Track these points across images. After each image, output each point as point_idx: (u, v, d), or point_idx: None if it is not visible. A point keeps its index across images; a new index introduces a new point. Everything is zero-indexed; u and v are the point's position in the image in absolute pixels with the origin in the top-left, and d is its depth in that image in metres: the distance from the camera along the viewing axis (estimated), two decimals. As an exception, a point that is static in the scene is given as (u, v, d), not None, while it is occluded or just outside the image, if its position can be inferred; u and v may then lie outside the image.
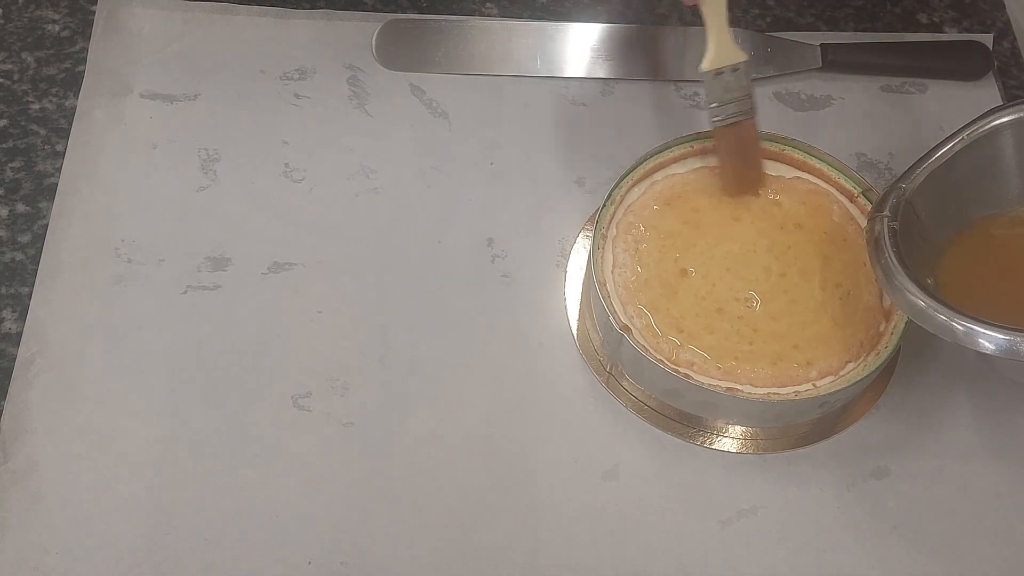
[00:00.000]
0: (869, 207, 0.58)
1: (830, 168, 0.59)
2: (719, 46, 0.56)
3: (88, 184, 0.61)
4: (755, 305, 0.55)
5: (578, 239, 0.61)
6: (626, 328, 0.54)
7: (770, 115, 0.66)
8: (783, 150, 0.60)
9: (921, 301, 0.48)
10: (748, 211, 0.58)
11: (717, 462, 0.55)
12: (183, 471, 0.54)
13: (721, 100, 0.56)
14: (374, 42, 0.67)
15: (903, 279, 0.49)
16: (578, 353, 0.58)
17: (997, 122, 0.54)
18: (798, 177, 0.59)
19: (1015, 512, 0.55)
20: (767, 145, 0.59)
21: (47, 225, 0.60)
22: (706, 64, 0.56)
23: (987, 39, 0.69)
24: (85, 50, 0.66)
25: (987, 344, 0.46)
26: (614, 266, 0.56)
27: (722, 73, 0.56)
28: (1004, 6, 0.72)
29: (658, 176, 0.59)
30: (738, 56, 0.56)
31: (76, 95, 0.64)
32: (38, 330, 0.57)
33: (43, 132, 0.63)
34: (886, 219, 0.51)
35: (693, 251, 0.57)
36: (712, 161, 0.59)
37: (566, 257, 0.61)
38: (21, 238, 0.60)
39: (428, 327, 0.58)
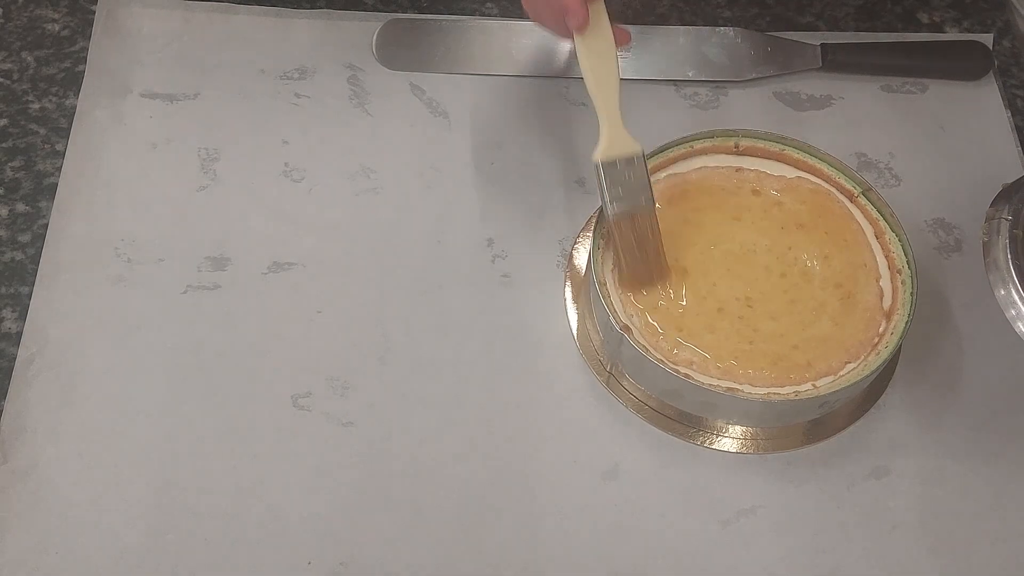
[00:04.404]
0: (870, 207, 0.58)
1: (830, 168, 0.59)
2: (612, 137, 0.54)
3: (88, 184, 0.61)
4: (755, 305, 0.55)
5: (578, 239, 0.61)
6: (626, 328, 0.54)
7: (770, 115, 0.66)
8: (783, 150, 0.59)
9: None
10: (749, 211, 0.58)
11: (717, 462, 0.55)
12: (183, 471, 0.54)
13: (614, 192, 0.53)
14: (374, 42, 0.67)
15: (1014, 290, 0.45)
16: (578, 353, 0.58)
17: None
18: (799, 177, 0.59)
19: (1015, 512, 0.55)
20: (767, 145, 0.59)
21: (47, 225, 0.60)
22: (598, 155, 0.54)
23: (987, 39, 0.69)
24: (85, 49, 0.66)
25: None
26: (614, 266, 0.56)
27: (615, 165, 0.53)
28: (1004, 6, 0.72)
29: (659, 176, 0.59)
30: (632, 147, 0.54)
31: (76, 94, 0.64)
32: (38, 330, 0.56)
33: (43, 131, 0.63)
34: (1007, 223, 0.47)
35: (694, 250, 0.57)
36: (711, 160, 0.59)
37: (566, 257, 0.61)
38: (21, 238, 0.60)
39: (428, 327, 0.58)
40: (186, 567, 0.51)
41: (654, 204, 0.54)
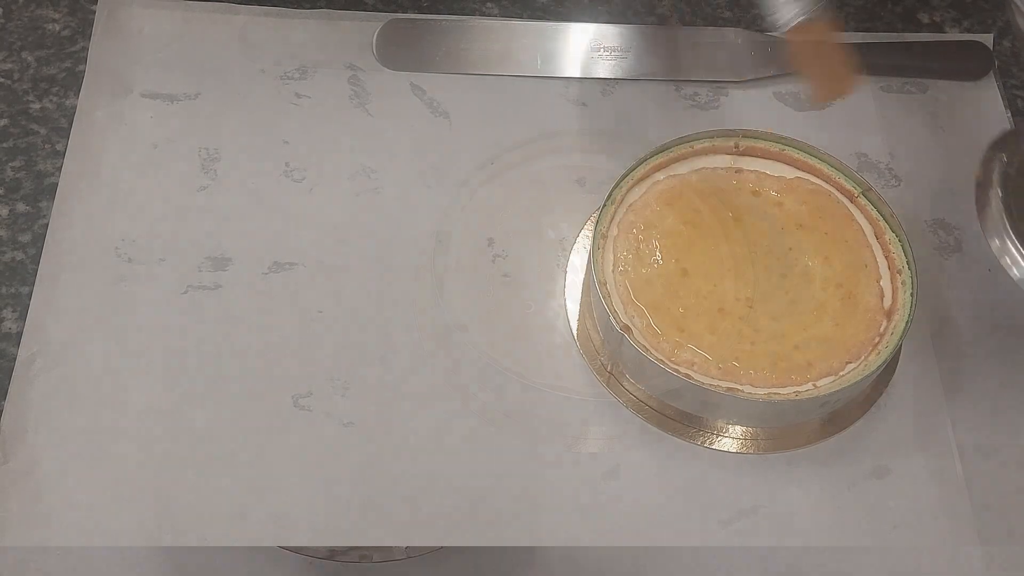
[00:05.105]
0: (870, 207, 0.58)
1: (830, 168, 0.59)
2: None
3: (88, 184, 0.61)
4: (756, 306, 0.55)
5: (578, 239, 0.61)
6: (627, 328, 0.54)
7: (770, 115, 0.66)
8: (783, 150, 0.59)
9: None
10: (749, 211, 0.58)
11: (717, 462, 0.55)
12: (183, 471, 0.54)
13: (780, 5, 0.54)
14: (374, 42, 0.67)
15: (1007, 236, 0.44)
16: (578, 353, 0.58)
17: None
18: (799, 177, 0.59)
19: (1015, 512, 0.55)
20: (767, 145, 0.59)
21: (47, 225, 0.60)
22: None
23: (987, 39, 0.69)
24: (85, 49, 0.66)
25: None
26: (615, 266, 0.56)
27: None
28: (1004, 6, 0.72)
29: (659, 176, 0.59)
30: None
31: (76, 94, 0.64)
32: (38, 330, 0.56)
33: (43, 131, 0.63)
34: (1001, 160, 0.46)
35: (694, 251, 0.57)
36: (711, 161, 0.59)
37: (566, 257, 0.61)
38: (21, 238, 0.60)
39: (428, 327, 0.58)
40: (186, 567, 0.51)
41: (828, 11, 0.54)
